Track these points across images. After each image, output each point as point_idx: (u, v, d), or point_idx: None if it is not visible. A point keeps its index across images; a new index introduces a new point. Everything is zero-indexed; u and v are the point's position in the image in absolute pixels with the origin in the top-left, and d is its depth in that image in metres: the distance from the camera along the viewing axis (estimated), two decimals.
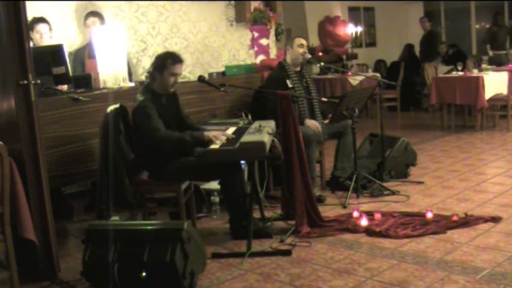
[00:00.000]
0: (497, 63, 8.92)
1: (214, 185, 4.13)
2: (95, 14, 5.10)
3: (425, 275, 2.96)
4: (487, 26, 10.09)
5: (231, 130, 3.96)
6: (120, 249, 2.84)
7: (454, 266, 3.05)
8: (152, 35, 5.78)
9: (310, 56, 4.88)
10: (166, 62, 3.61)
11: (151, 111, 3.54)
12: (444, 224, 3.69)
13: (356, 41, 12.04)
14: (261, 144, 3.35)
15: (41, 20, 4.67)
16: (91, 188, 4.85)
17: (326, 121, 4.76)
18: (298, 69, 4.77)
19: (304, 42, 4.74)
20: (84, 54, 4.97)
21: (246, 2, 6.22)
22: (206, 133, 3.59)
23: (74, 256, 3.58)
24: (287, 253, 3.41)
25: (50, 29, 4.72)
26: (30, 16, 4.03)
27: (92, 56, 4.80)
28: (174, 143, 3.56)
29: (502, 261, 3.07)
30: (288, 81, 4.61)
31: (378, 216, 3.90)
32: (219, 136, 3.55)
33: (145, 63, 5.69)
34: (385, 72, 10.64)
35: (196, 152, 3.60)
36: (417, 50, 10.35)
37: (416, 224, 3.72)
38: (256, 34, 5.98)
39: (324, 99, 4.54)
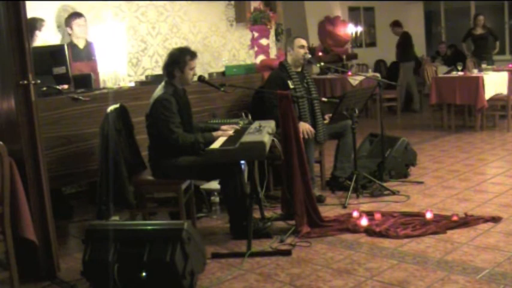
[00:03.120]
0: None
1: (214, 185, 4.13)
2: (80, 15, 4.89)
3: (425, 275, 2.96)
4: (487, 25, 9.90)
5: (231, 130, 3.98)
6: (120, 249, 2.85)
7: (454, 266, 3.06)
8: (152, 35, 5.78)
9: (310, 56, 4.87)
10: (186, 58, 3.75)
11: (172, 107, 3.64)
12: (444, 224, 3.69)
13: (356, 41, 12.03)
14: (261, 144, 3.35)
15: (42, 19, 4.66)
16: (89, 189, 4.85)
17: (326, 121, 4.75)
18: (299, 69, 4.76)
19: (304, 42, 4.73)
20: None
21: (246, 2, 6.21)
22: (214, 133, 3.78)
23: (74, 256, 3.58)
24: (287, 253, 3.41)
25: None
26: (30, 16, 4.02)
27: (77, 59, 4.68)
28: (188, 147, 3.66)
29: (502, 261, 3.07)
30: (289, 82, 4.60)
31: (378, 216, 3.90)
32: (225, 133, 3.78)
33: (146, 63, 5.69)
34: (385, 72, 10.64)
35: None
36: (416, 50, 10.36)
37: (416, 224, 3.72)
38: (256, 34, 5.98)
39: (324, 99, 4.54)
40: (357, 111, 4.54)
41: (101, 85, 4.39)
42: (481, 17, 8.96)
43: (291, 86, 4.57)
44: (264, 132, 3.57)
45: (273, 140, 3.73)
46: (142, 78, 5.24)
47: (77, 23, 4.86)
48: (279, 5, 7.10)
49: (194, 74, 3.86)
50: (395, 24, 9.85)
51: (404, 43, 9.62)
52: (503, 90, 7.35)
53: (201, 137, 3.69)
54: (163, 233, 2.88)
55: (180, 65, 3.73)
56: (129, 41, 5.44)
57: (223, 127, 3.96)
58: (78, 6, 5.11)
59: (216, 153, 3.41)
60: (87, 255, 2.88)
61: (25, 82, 3.09)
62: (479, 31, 8.90)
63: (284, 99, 3.78)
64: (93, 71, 4.53)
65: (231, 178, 3.62)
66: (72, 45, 4.80)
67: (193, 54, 3.79)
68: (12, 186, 2.92)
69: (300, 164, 3.78)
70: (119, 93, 4.25)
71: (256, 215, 3.94)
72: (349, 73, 8.24)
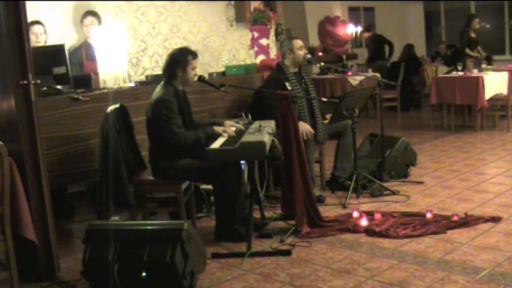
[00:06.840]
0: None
1: None
2: (93, 13, 5.04)
3: (425, 275, 2.96)
4: (487, 26, 9.80)
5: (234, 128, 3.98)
6: (120, 249, 2.84)
7: (454, 266, 3.06)
8: (152, 35, 5.78)
9: (310, 56, 4.86)
10: (187, 57, 3.75)
11: (173, 107, 3.63)
12: (444, 224, 3.69)
13: (356, 41, 12.02)
14: (261, 144, 3.35)
15: (36, 22, 4.63)
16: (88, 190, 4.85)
17: (326, 121, 4.75)
18: (297, 70, 4.74)
19: (302, 42, 4.74)
20: (81, 54, 4.92)
21: (246, 2, 6.21)
22: (216, 128, 3.76)
23: (74, 256, 3.58)
24: (287, 253, 3.41)
25: (45, 31, 4.70)
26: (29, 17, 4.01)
27: (90, 58, 4.76)
28: (191, 145, 3.65)
29: (502, 261, 3.07)
30: (287, 84, 4.58)
31: (378, 216, 3.90)
32: (227, 130, 3.76)
33: (145, 63, 5.69)
34: (385, 72, 10.64)
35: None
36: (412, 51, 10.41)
37: (416, 224, 3.72)
38: (256, 34, 5.98)
39: (324, 99, 4.53)
40: (357, 111, 4.53)
41: (101, 85, 4.39)
42: (477, 20, 8.84)
43: (289, 88, 4.54)
44: (264, 132, 3.57)
45: (273, 140, 3.73)
46: (143, 78, 5.24)
47: (84, 22, 4.97)
48: (279, 5, 7.09)
49: (195, 74, 3.84)
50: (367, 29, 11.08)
51: (374, 42, 10.49)
52: (503, 90, 7.35)
53: (201, 132, 3.68)
54: (163, 233, 2.88)
55: (182, 64, 3.73)
56: (129, 41, 5.44)
57: (227, 122, 3.96)
58: (91, 5, 5.15)
59: (216, 153, 3.41)
60: (87, 255, 2.88)
61: (25, 82, 3.09)
62: (473, 35, 8.79)
63: (284, 99, 3.78)
64: None
65: (230, 180, 3.61)
66: (86, 45, 4.90)
67: (194, 54, 3.80)
68: (12, 186, 2.92)
69: (300, 164, 3.78)
70: (119, 93, 4.24)
71: (256, 215, 3.94)
72: (349, 73, 8.23)
